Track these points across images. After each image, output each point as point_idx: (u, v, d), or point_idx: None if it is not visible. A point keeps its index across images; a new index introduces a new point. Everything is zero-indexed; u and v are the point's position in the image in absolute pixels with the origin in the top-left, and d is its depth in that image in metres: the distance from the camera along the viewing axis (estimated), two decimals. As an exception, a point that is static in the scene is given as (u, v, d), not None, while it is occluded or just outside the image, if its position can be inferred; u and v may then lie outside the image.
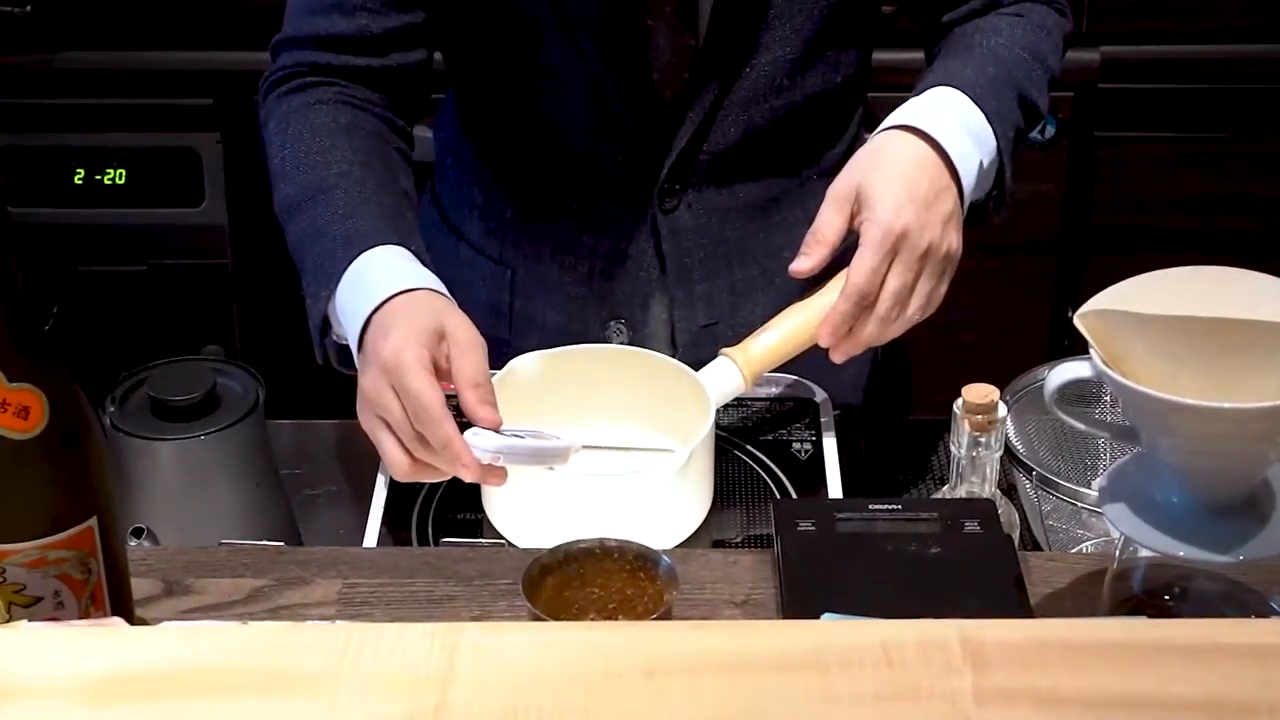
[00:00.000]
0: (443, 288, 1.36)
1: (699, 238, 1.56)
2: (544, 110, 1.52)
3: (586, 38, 1.46)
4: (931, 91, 1.45)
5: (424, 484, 1.44)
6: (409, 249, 1.39)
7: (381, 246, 1.37)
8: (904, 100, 1.46)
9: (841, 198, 1.40)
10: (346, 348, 1.37)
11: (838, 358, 1.41)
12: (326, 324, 1.39)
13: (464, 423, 1.27)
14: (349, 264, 1.36)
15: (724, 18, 1.46)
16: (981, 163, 1.43)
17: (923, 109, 1.43)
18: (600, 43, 1.46)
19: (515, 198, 1.59)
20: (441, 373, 1.29)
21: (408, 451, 1.29)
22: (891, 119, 1.43)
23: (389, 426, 1.29)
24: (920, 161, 1.40)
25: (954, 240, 1.40)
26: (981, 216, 1.49)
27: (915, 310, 1.39)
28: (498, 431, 1.27)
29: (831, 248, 1.39)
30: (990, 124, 1.44)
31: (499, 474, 1.28)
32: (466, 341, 1.31)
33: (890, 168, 1.39)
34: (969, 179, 1.42)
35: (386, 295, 1.33)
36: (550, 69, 1.50)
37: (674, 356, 1.49)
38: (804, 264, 1.40)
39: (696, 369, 1.43)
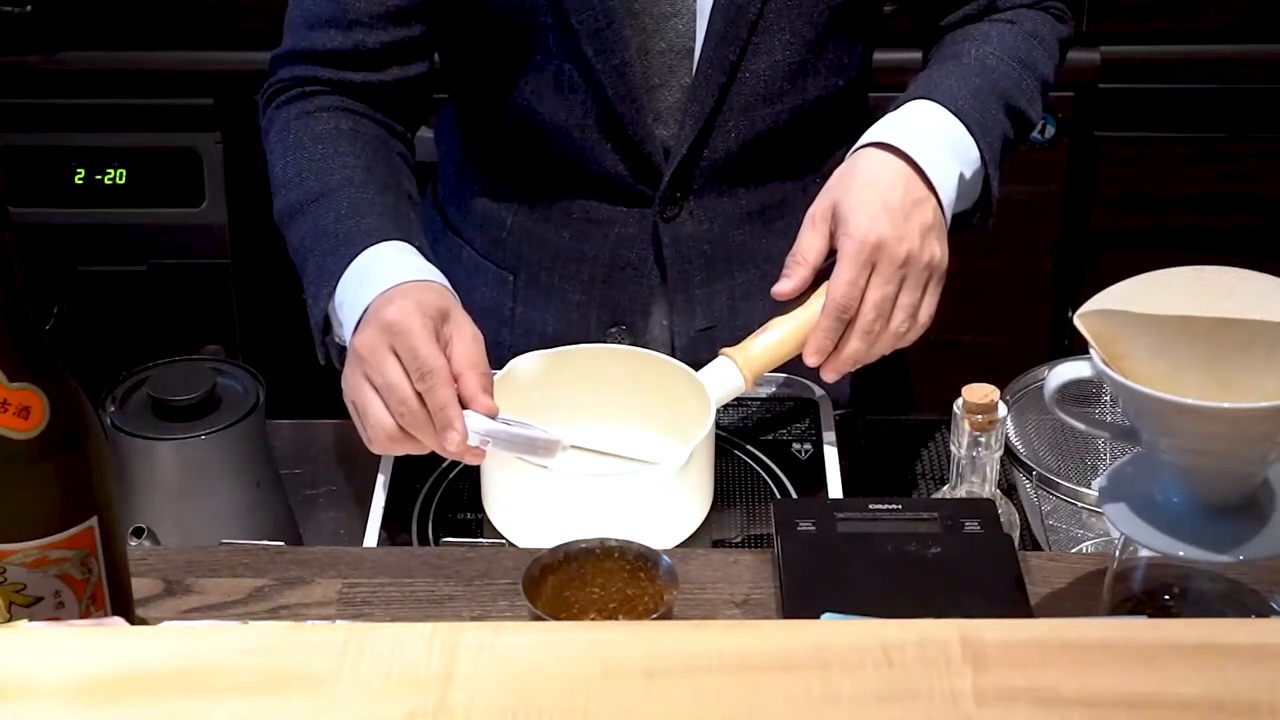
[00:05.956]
0: (447, 283, 1.37)
1: (700, 244, 1.55)
2: (543, 117, 1.51)
3: (586, 45, 1.46)
4: (909, 106, 1.45)
5: (423, 484, 1.44)
6: (413, 245, 1.39)
7: (386, 242, 1.38)
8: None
9: (819, 218, 1.40)
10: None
11: (828, 376, 1.41)
12: (328, 323, 1.39)
13: None
14: (352, 260, 1.37)
15: (722, 22, 1.46)
16: (962, 175, 1.43)
17: (898, 125, 1.43)
18: (600, 50, 1.46)
19: (516, 205, 1.58)
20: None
21: (393, 418, 1.29)
22: (866, 136, 1.43)
23: (376, 390, 1.29)
24: (895, 175, 1.39)
25: (936, 250, 1.39)
26: (968, 227, 1.49)
27: (901, 323, 1.39)
28: (491, 419, 1.29)
29: (812, 268, 1.40)
30: (972, 135, 1.43)
31: (478, 454, 1.30)
32: (469, 331, 1.32)
33: (864, 183, 1.39)
34: (947, 191, 1.41)
35: (390, 285, 1.33)
36: (549, 76, 1.49)
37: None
38: (785, 286, 1.40)
39: (694, 369, 1.43)
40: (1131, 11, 2.33)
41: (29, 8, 2.29)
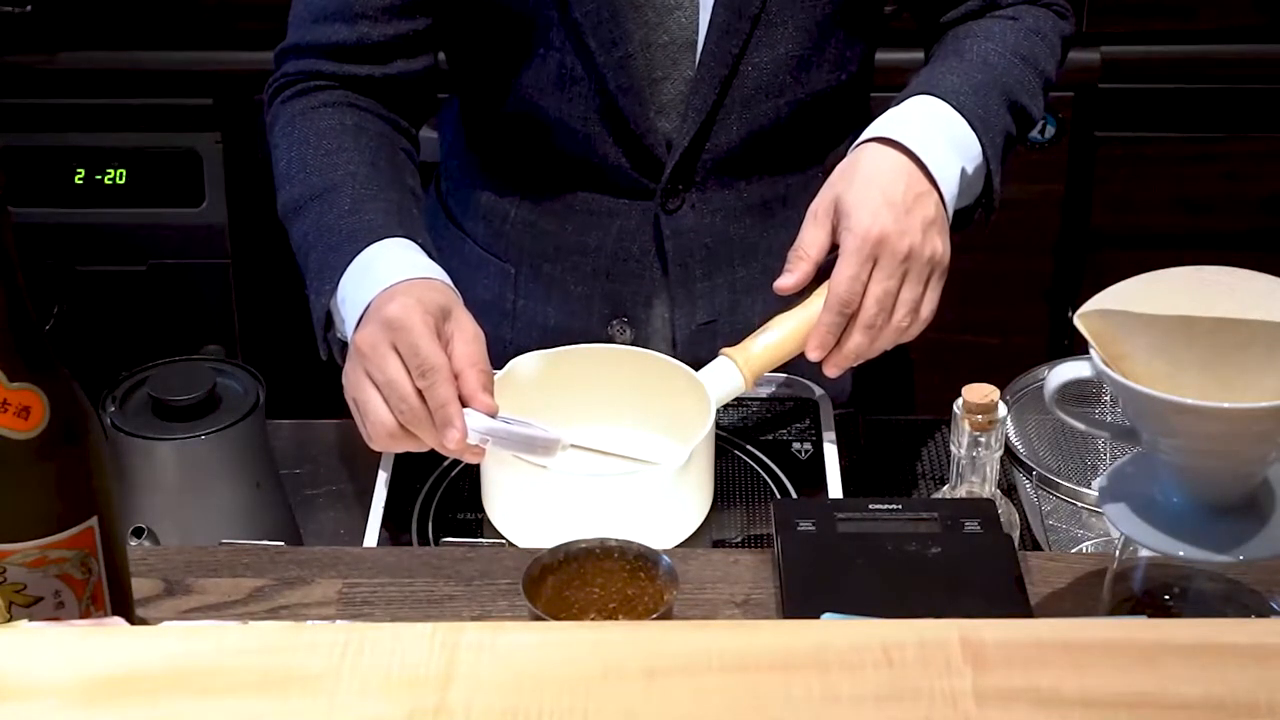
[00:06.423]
0: (449, 281, 1.37)
1: (702, 237, 1.56)
2: (546, 110, 1.52)
3: (589, 38, 1.46)
4: (911, 101, 1.45)
5: (423, 484, 1.44)
6: (416, 242, 1.39)
7: (389, 239, 1.38)
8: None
9: (821, 212, 1.40)
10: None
11: (830, 371, 1.41)
12: (330, 319, 1.39)
13: None
14: (355, 256, 1.37)
15: (725, 15, 1.46)
16: (964, 170, 1.43)
17: (900, 120, 1.43)
18: (602, 43, 1.46)
19: (518, 198, 1.59)
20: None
21: (393, 415, 1.29)
22: (868, 131, 1.43)
23: (377, 387, 1.29)
24: (897, 170, 1.39)
25: (938, 245, 1.40)
26: (969, 223, 1.49)
27: (903, 318, 1.39)
28: (491, 418, 1.29)
29: (814, 263, 1.40)
30: (974, 130, 1.44)
31: (477, 453, 1.30)
32: (470, 329, 1.33)
33: (866, 178, 1.39)
34: (949, 186, 1.41)
35: (392, 282, 1.33)
36: (552, 69, 1.50)
37: (673, 354, 1.50)
38: (787, 280, 1.40)
39: (695, 366, 1.43)
40: (1131, 11, 2.33)
41: (29, 8, 2.29)
